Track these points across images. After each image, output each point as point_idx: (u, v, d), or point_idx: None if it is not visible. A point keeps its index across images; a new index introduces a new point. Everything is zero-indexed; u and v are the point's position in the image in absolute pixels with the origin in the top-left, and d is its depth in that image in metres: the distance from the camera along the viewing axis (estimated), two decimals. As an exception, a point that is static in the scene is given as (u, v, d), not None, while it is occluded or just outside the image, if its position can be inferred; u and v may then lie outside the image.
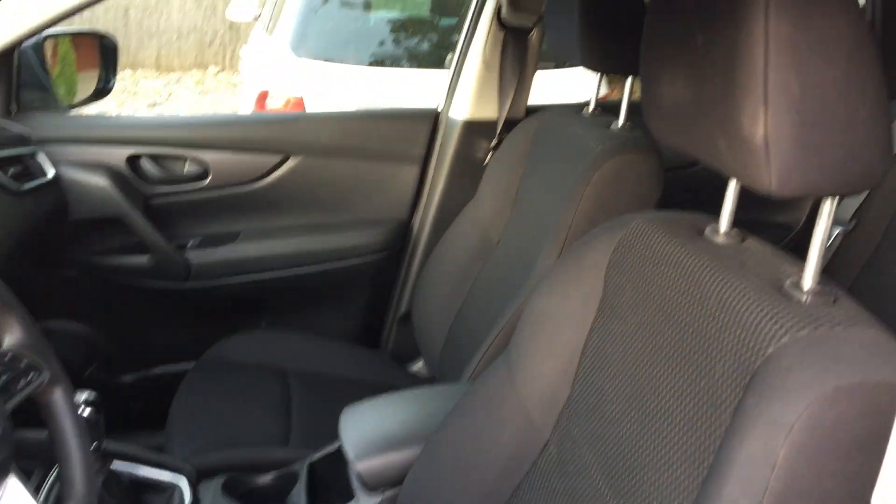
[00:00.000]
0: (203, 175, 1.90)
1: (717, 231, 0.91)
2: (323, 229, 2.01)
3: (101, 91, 1.99)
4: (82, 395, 1.14)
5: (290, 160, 1.93)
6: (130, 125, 1.91)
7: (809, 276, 0.77)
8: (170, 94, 7.38)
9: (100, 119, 1.92)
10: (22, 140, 1.70)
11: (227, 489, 1.39)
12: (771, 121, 0.68)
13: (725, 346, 0.77)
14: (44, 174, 1.70)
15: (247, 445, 1.53)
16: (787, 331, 0.72)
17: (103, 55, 1.99)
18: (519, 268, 1.53)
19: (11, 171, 1.62)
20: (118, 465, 1.20)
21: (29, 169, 1.68)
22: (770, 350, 0.71)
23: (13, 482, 0.82)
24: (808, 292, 0.77)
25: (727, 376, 0.76)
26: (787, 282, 0.79)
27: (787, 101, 0.68)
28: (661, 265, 0.91)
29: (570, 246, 1.37)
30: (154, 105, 6.98)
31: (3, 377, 0.85)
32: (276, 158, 1.92)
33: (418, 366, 2.03)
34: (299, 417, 1.62)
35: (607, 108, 1.68)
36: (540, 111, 1.72)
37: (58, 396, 0.93)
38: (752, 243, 0.90)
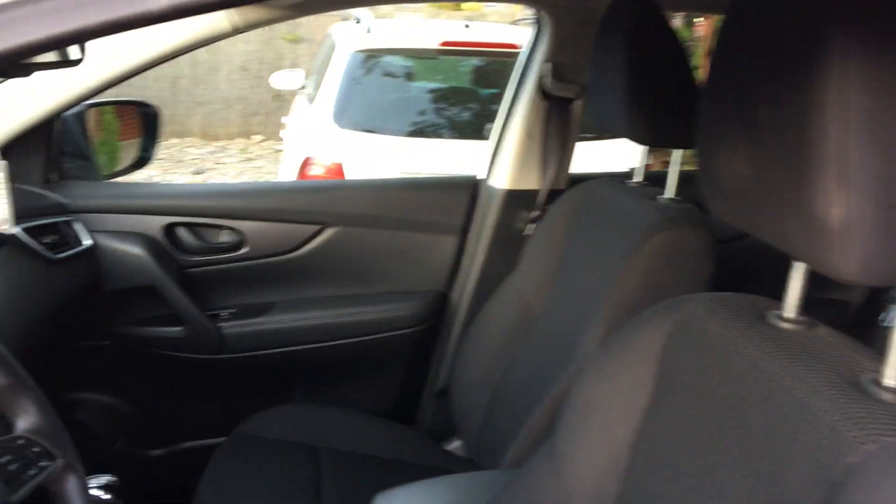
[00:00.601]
0: (239, 245, 1.87)
1: (781, 317, 0.84)
2: (359, 301, 1.97)
3: (142, 160, 1.99)
4: (102, 479, 1.09)
5: (326, 230, 1.90)
6: (168, 194, 1.90)
7: (894, 374, 0.69)
8: (215, 163, 7.52)
9: (137, 188, 1.92)
10: (59, 209, 1.70)
11: None
12: (850, 202, 0.62)
13: (798, 449, 0.69)
14: (79, 243, 1.69)
15: None
16: (872, 436, 0.63)
17: (145, 124, 2.00)
18: (562, 345, 1.46)
19: (47, 239, 1.61)
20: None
21: (65, 237, 1.67)
22: (853, 458, 0.63)
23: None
24: (892, 391, 0.68)
25: (802, 485, 0.67)
26: (865, 377, 0.71)
27: (868, 180, 0.61)
28: (721, 353, 0.84)
29: (617, 325, 1.30)
30: (199, 172, 7.10)
31: (14, 465, 0.80)
32: (312, 228, 1.90)
33: (455, 445, 1.95)
34: (330, 500, 1.54)
35: (652, 178, 1.62)
36: (584, 182, 1.67)
37: (71, 486, 0.87)
38: (823, 331, 0.82)
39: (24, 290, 1.52)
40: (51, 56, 1.05)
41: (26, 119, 1.60)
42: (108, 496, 1.07)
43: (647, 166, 1.61)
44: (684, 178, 1.43)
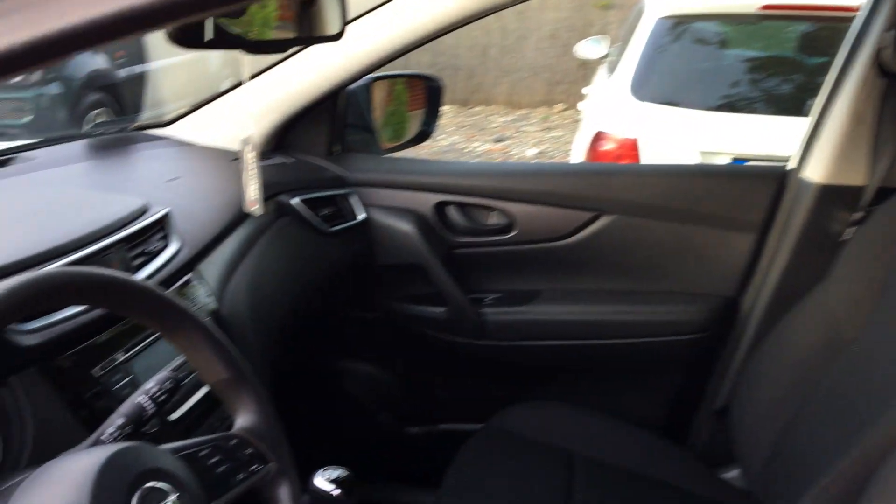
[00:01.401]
0: (508, 228, 1.78)
1: None
2: (633, 298, 1.78)
3: (423, 134, 1.98)
4: (334, 473, 1.04)
5: (602, 218, 1.74)
6: (441, 171, 1.86)
7: None
8: (515, 131, 7.61)
9: (412, 164, 1.90)
10: (338, 181, 1.72)
11: None
12: None
13: None
14: (353, 217, 1.70)
15: None
16: None
17: (429, 98, 1.97)
18: (881, 384, 1.18)
19: (324, 211, 1.64)
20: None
21: (341, 210, 1.70)
22: None
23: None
24: None
25: None
26: None
27: None
28: None
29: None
30: (499, 140, 7.23)
31: (222, 466, 0.76)
32: (587, 215, 1.74)
33: (733, 474, 1.70)
34: None
35: None
36: None
37: (282, 493, 0.82)
38: None
39: (299, 259, 1.57)
40: (308, 31, 1.01)
41: (312, 92, 1.64)
42: (338, 490, 1.03)
43: None
44: None
